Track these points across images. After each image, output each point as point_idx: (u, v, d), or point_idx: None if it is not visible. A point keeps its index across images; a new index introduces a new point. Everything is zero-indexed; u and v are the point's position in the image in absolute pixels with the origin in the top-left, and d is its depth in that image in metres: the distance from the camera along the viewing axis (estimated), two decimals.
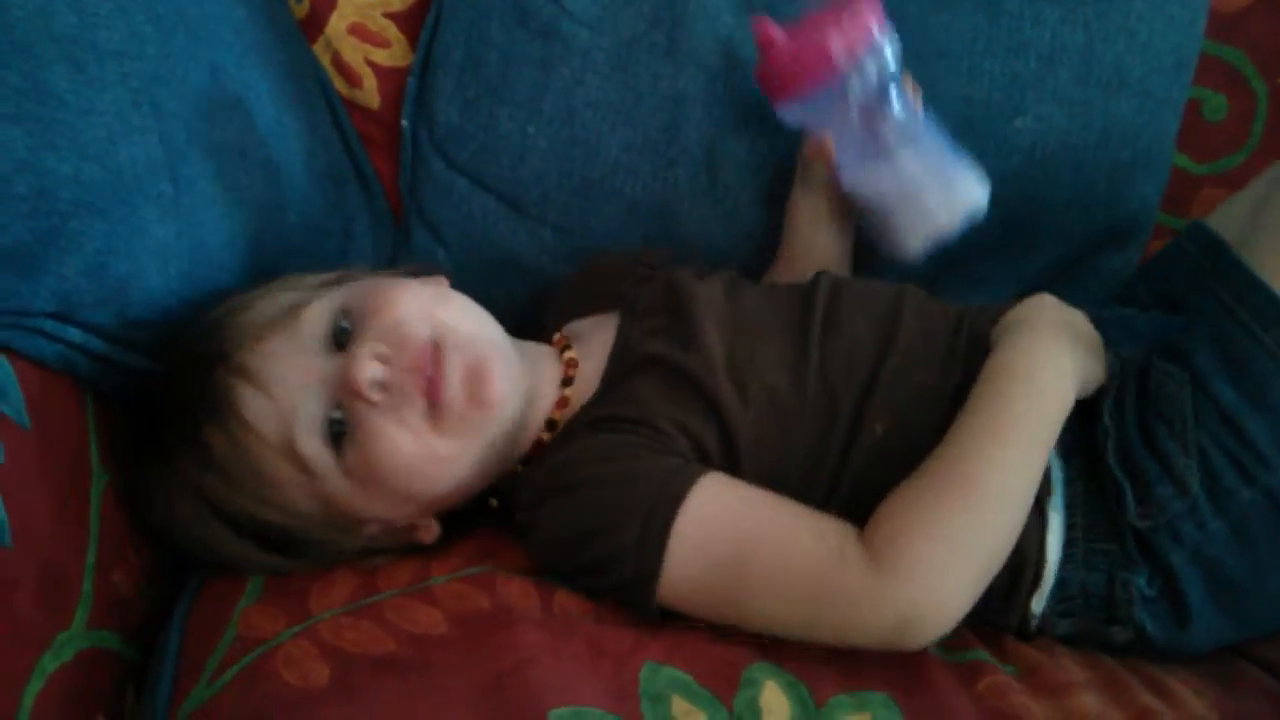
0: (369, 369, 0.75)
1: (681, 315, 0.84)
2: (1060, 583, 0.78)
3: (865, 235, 0.99)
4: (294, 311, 0.78)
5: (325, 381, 0.76)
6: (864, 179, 0.91)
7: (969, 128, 1.02)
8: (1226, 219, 0.93)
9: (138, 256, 0.78)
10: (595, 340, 0.87)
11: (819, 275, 0.89)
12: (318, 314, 0.78)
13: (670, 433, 0.78)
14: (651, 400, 0.80)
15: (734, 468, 0.78)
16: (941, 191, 0.89)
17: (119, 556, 0.77)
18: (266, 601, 0.75)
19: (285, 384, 0.76)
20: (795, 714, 0.68)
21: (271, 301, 0.80)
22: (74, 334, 0.77)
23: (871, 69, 0.87)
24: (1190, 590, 0.77)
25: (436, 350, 0.77)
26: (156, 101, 0.79)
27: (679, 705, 0.67)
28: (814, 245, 1.00)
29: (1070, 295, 0.87)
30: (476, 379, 0.77)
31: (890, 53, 0.88)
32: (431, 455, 0.77)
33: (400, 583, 0.76)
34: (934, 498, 0.73)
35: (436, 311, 0.80)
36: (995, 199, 1.03)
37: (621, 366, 0.84)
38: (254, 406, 0.75)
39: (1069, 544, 0.78)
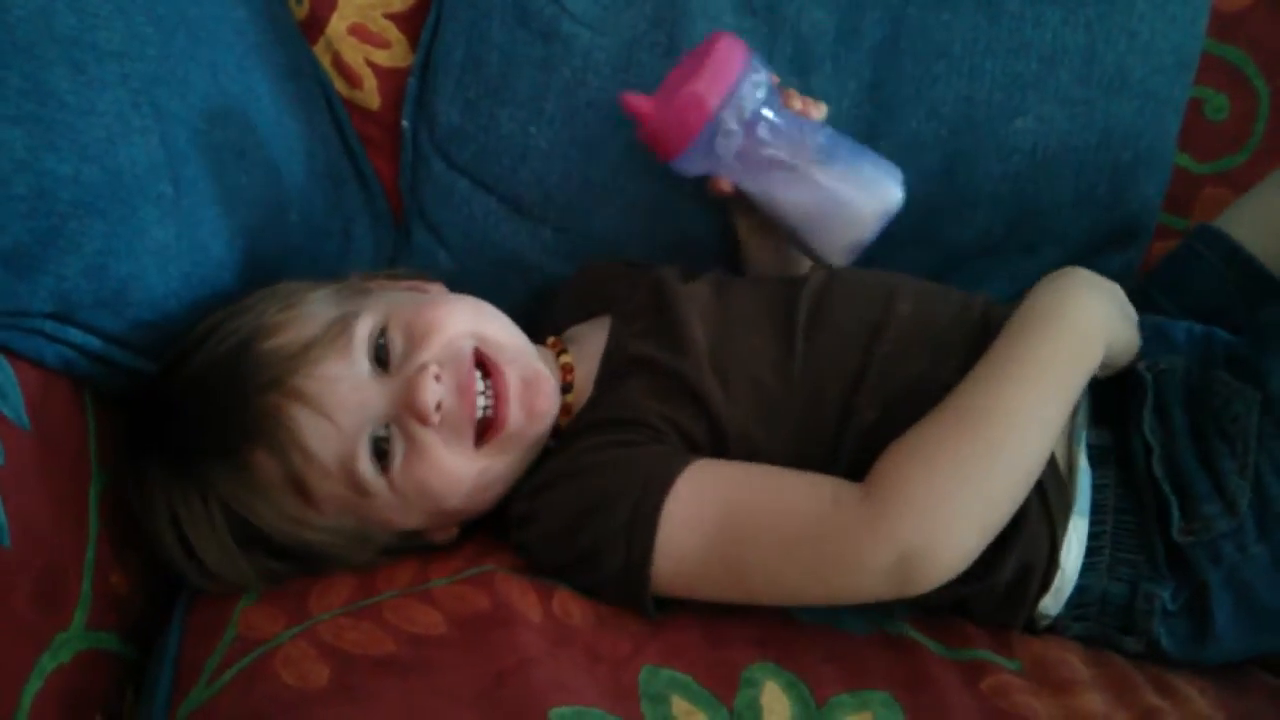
0: (433, 393, 0.76)
1: (667, 315, 0.85)
2: (1079, 589, 0.77)
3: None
4: (342, 331, 0.78)
5: (379, 403, 0.77)
6: (772, 203, 0.90)
7: (969, 128, 1.02)
8: (1237, 223, 0.93)
9: (138, 257, 0.77)
10: (589, 343, 0.88)
11: (813, 269, 0.89)
12: (364, 333, 0.78)
13: (663, 429, 0.79)
14: (642, 400, 0.81)
15: (724, 458, 0.79)
16: (848, 202, 0.88)
17: (118, 557, 0.77)
18: (266, 602, 0.75)
19: (347, 410, 0.76)
20: (796, 713, 0.68)
21: (304, 319, 0.79)
22: (74, 335, 0.76)
23: (744, 101, 0.85)
24: (1218, 610, 0.76)
25: (494, 368, 0.79)
26: (157, 102, 0.79)
27: (679, 705, 0.67)
28: (763, 251, 1.00)
29: None
30: (529, 391, 0.80)
31: (758, 79, 0.86)
32: (482, 474, 0.79)
33: (400, 584, 0.76)
34: (939, 432, 0.73)
35: (481, 328, 0.81)
36: (996, 199, 1.04)
37: (612, 369, 0.85)
38: (315, 432, 0.75)
39: (1093, 551, 0.77)
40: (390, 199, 1.07)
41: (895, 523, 0.69)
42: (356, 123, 1.05)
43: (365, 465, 0.76)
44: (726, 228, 1.02)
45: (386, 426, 0.77)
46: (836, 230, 0.88)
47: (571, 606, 0.75)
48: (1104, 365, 0.79)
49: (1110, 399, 0.82)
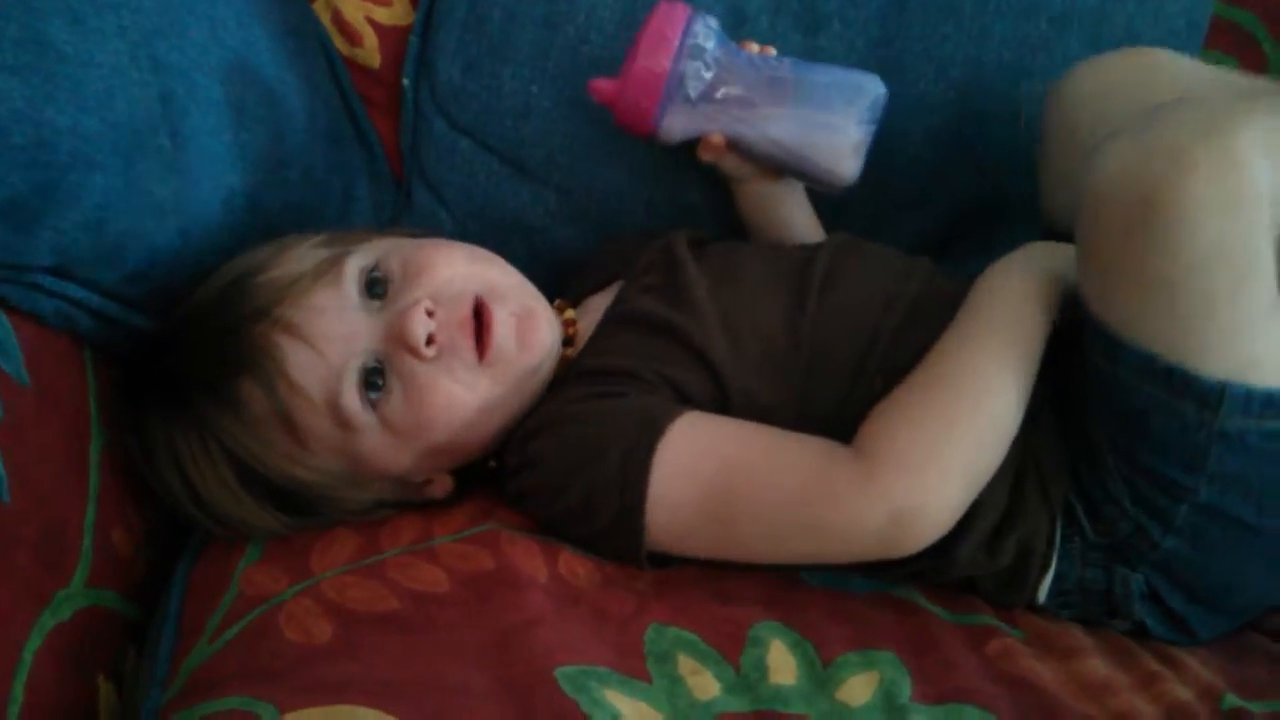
0: (423, 325, 0.76)
1: (673, 274, 0.85)
2: (1058, 576, 0.77)
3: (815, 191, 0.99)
4: (334, 265, 0.78)
5: (369, 336, 0.77)
6: (767, 143, 0.91)
7: (978, 90, 1.01)
8: None
9: (136, 212, 0.77)
10: (597, 304, 0.88)
11: (830, 236, 0.89)
12: (356, 268, 0.79)
13: (654, 382, 0.79)
14: (635, 352, 0.81)
15: (724, 413, 0.79)
16: (837, 107, 0.89)
17: (119, 516, 0.76)
18: (268, 561, 0.75)
19: (332, 340, 0.76)
20: (802, 672, 0.68)
21: (299, 258, 0.80)
22: (72, 290, 0.76)
23: (694, 51, 0.87)
24: (1169, 598, 0.77)
25: (484, 303, 0.79)
26: (155, 55, 0.78)
27: (685, 664, 0.67)
28: (774, 224, 1.00)
29: None
30: (523, 324, 0.80)
31: (705, 28, 0.88)
32: (477, 404, 0.79)
33: (403, 542, 0.76)
34: (915, 397, 0.75)
35: (479, 270, 0.82)
36: (1004, 165, 1.03)
37: (611, 321, 0.85)
38: (301, 362, 0.75)
39: (1066, 538, 0.77)
40: (391, 159, 1.06)
41: (888, 481, 0.71)
42: (357, 81, 1.04)
43: (350, 399, 0.76)
44: (732, 208, 1.02)
45: (378, 360, 0.77)
46: (835, 140, 0.90)
47: (577, 567, 0.75)
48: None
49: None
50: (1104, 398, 0.74)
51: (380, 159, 1.06)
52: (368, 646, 0.65)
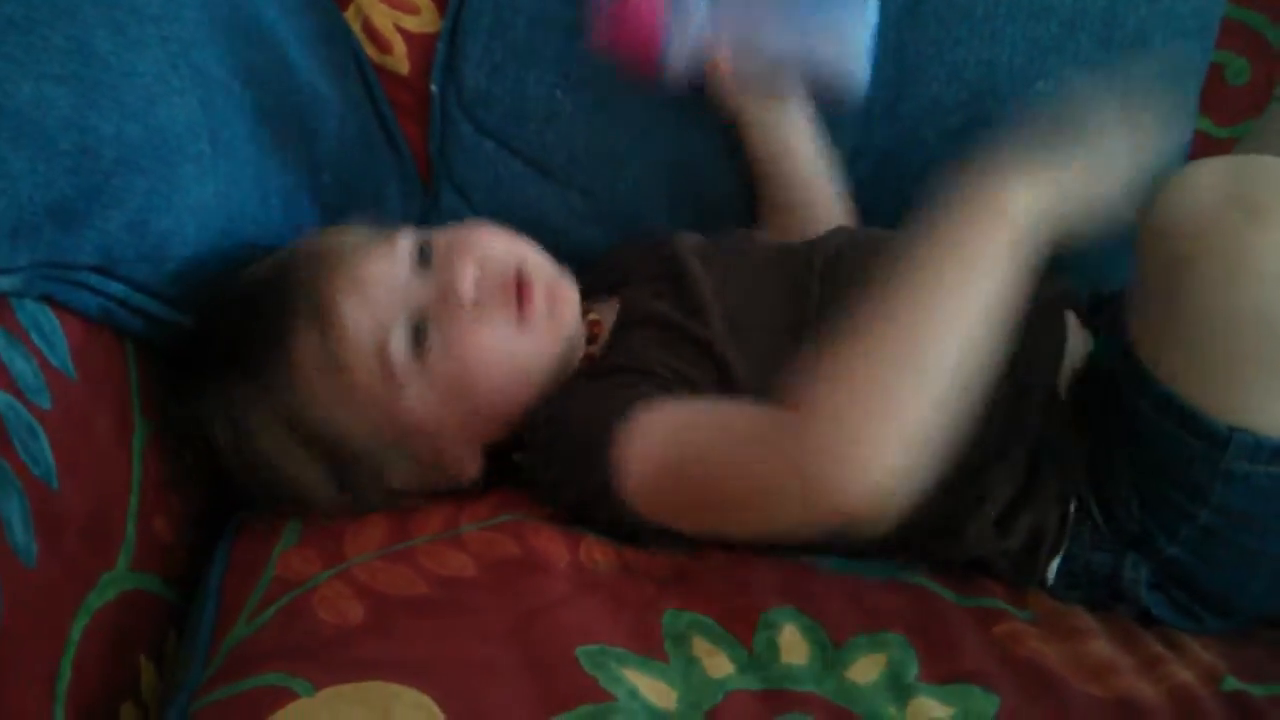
0: (470, 280, 0.81)
1: (680, 277, 0.87)
2: (1066, 557, 0.78)
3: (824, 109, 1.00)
4: (386, 239, 0.83)
5: (418, 296, 0.81)
6: (773, 52, 0.94)
7: (990, 91, 1.03)
8: None
9: (177, 214, 0.80)
10: (607, 311, 0.90)
11: (835, 229, 0.91)
12: (407, 240, 0.84)
13: (665, 377, 0.80)
14: (649, 351, 0.83)
15: None
16: (832, 6, 0.93)
17: (160, 503, 0.79)
18: (303, 545, 0.77)
19: (383, 299, 0.80)
20: (814, 654, 0.70)
21: (351, 234, 0.85)
22: (116, 288, 0.78)
23: None
24: (1175, 594, 0.78)
25: (525, 273, 0.83)
26: (194, 64, 0.81)
27: (700, 645, 0.69)
28: (783, 156, 1.01)
29: (1089, 258, 0.87)
30: (553, 296, 0.84)
31: None
32: (513, 359, 0.82)
33: (431, 530, 0.79)
34: (847, 346, 0.69)
35: (520, 247, 0.86)
36: None
37: (624, 325, 0.87)
38: (353, 316, 0.79)
39: (1078, 521, 0.78)
40: (420, 162, 1.09)
41: (801, 443, 0.66)
42: (387, 87, 1.07)
43: (398, 347, 0.79)
44: (749, 185, 1.04)
45: (424, 318, 0.81)
46: (843, 36, 0.93)
47: (597, 554, 0.78)
48: (1073, 229, 0.74)
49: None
50: (1125, 419, 0.75)
51: (409, 162, 1.08)
52: (398, 627, 0.68)
